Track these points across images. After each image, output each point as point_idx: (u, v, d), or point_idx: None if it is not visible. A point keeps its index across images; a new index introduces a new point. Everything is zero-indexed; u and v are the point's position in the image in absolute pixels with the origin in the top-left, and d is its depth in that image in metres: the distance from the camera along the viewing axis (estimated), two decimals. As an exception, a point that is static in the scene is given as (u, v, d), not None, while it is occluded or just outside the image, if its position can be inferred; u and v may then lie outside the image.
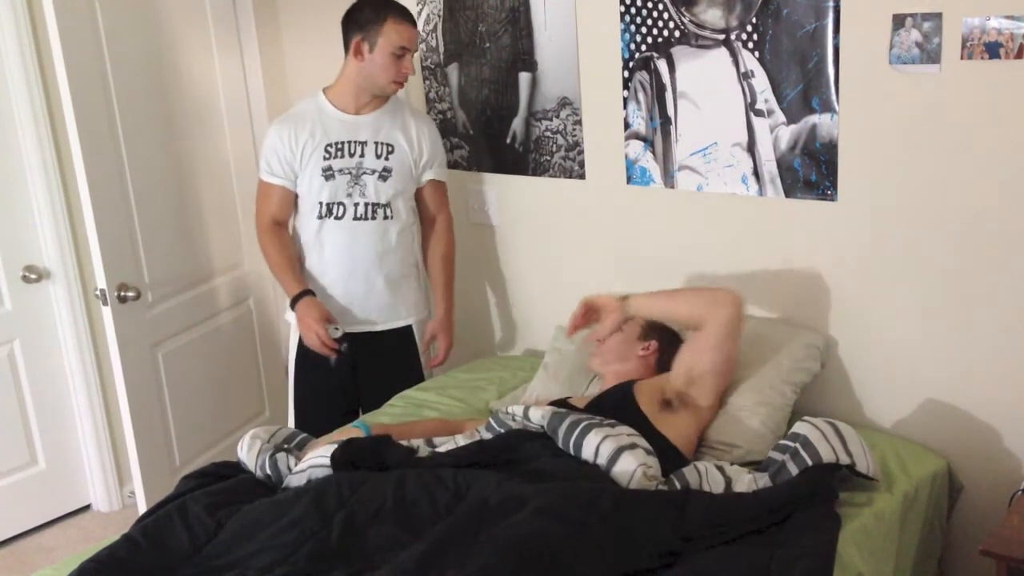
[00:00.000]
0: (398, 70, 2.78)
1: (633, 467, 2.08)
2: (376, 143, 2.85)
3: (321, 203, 2.88)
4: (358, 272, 2.92)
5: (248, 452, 2.35)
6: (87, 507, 3.86)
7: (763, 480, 2.15)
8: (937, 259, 2.39)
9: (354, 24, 2.79)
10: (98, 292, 3.11)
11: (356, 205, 2.86)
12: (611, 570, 1.83)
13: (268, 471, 2.30)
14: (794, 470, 2.13)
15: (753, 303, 2.70)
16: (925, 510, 2.31)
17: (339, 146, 2.85)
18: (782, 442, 2.22)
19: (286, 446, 2.41)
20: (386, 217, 2.89)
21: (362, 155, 2.85)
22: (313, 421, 2.91)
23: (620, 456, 2.10)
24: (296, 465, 2.28)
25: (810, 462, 2.11)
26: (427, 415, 2.77)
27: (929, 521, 2.34)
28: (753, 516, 1.97)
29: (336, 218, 2.88)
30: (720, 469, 2.18)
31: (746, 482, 2.14)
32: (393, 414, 2.80)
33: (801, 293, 2.63)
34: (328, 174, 2.85)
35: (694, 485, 2.13)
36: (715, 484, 2.14)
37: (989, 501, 2.43)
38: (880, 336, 2.52)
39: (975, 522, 2.47)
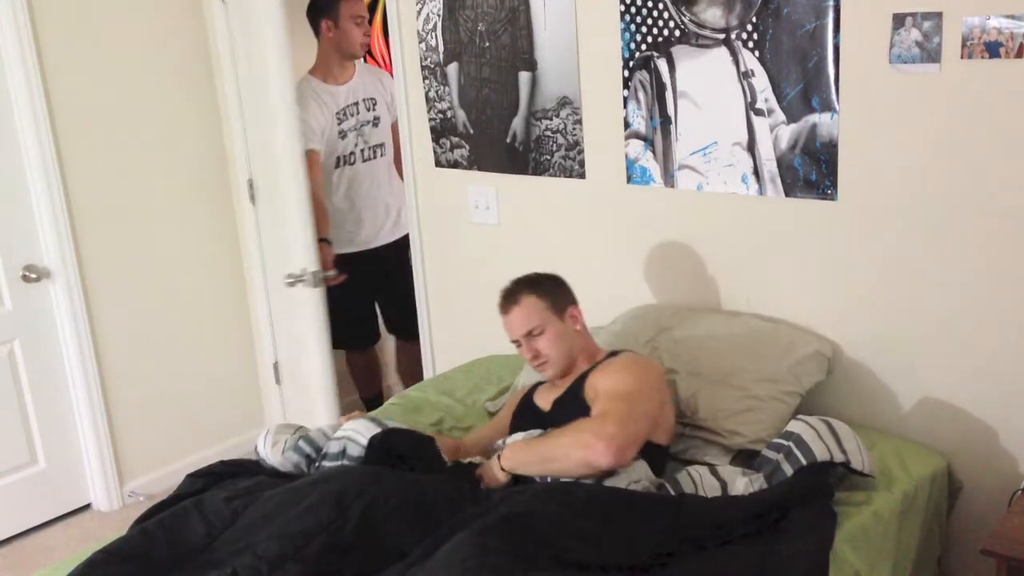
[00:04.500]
0: (361, 33, 3.72)
1: (624, 484, 2.09)
2: (363, 99, 3.81)
3: (339, 156, 3.76)
4: (375, 199, 3.86)
5: (273, 448, 2.33)
6: (87, 506, 3.86)
7: (759, 482, 2.14)
8: (937, 259, 2.39)
9: (318, 11, 3.70)
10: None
11: (363, 151, 3.81)
12: (605, 560, 1.84)
13: (303, 449, 2.31)
14: (789, 470, 2.12)
15: (753, 302, 2.70)
16: (925, 509, 2.31)
17: (345, 110, 3.75)
18: (776, 440, 2.22)
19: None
20: (382, 155, 3.88)
21: (357, 112, 3.78)
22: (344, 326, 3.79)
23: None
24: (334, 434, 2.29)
25: (804, 461, 2.10)
26: (426, 413, 2.77)
27: (929, 520, 2.34)
28: (749, 517, 1.97)
29: (350, 164, 3.79)
30: (715, 474, 2.18)
31: (741, 486, 2.13)
32: (394, 413, 2.80)
33: (801, 292, 2.63)
34: (342, 133, 3.75)
35: (689, 491, 2.12)
36: (711, 489, 2.13)
37: (989, 500, 2.43)
38: (880, 335, 2.52)
39: (975, 521, 2.47)
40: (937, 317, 2.42)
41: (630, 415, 2.15)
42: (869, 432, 2.50)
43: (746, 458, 2.36)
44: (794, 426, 2.20)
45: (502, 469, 2.19)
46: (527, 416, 2.43)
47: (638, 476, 2.12)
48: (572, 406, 2.30)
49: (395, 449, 2.23)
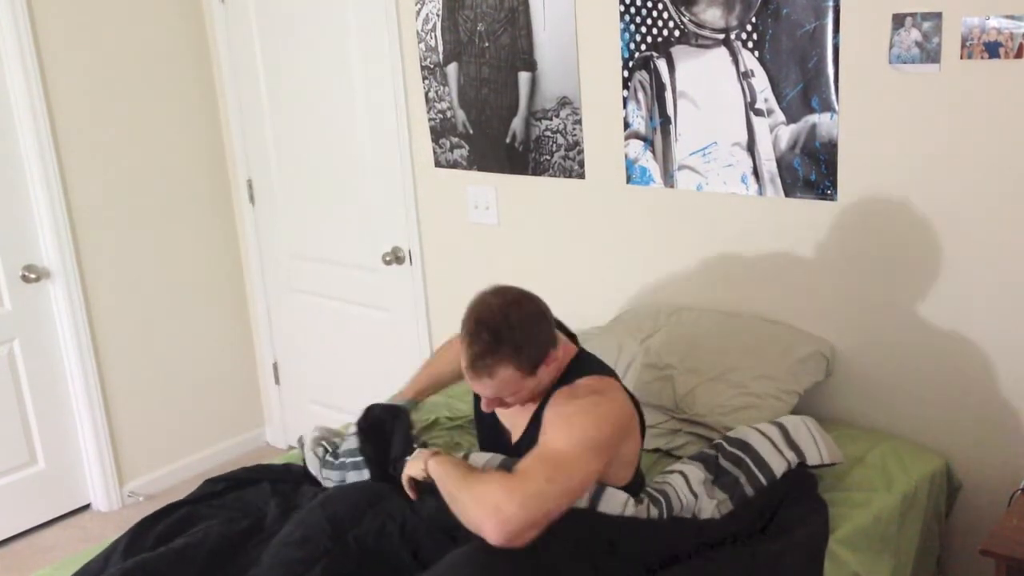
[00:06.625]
0: None
1: (623, 497, 2.00)
2: None
3: None
4: None
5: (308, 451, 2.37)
6: (87, 506, 3.86)
7: (725, 506, 2.09)
8: (936, 259, 2.39)
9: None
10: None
11: None
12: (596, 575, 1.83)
13: (319, 454, 2.34)
14: (751, 491, 2.10)
15: (753, 303, 2.70)
16: (924, 509, 2.31)
17: None
18: (731, 450, 2.16)
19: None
20: None
21: None
22: None
23: (603, 491, 2.00)
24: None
25: (764, 482, 2.09)
26: (424, 411, 2.76)
27: (928, 520, 2.34)
28: (743, 528, 1.98)
29: None
30: (688, 486, 2.10)
31: (709, 511, 2.07)
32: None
33: (800, 293, 2.63)
34: None
35: (676, 511, 2.06)
36: (687, 511, 2.09)
37: (988, 501, 2.43)
38: (879, 335, 2.52)
39: (974, 522, 2.47)
40: (936, 317, 2.42)
41: (543, 493, 1.81)
42: (869, 432, 2.50)
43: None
44: (749, 435, 2.18)
45: (424, 470, 1.98)
46: (492, 436, 2.21)
47: (618, 509, 1.99)
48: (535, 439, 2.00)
49: (376, 422, 2.27)
